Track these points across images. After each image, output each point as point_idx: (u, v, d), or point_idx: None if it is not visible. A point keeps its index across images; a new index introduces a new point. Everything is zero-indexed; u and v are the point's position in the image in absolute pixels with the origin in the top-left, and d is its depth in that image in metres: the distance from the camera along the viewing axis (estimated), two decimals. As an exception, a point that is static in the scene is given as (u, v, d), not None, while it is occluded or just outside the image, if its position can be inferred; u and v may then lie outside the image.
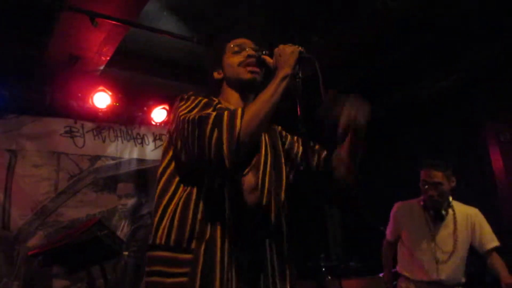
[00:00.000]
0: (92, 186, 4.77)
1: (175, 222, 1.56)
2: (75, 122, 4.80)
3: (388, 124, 5.13)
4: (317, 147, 1.93)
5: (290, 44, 1.65)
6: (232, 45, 1.88)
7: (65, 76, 4.36)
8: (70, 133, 4.74)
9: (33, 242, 4.24)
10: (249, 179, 1.66)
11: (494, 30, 4.02)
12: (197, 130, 1.48)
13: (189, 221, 1.55)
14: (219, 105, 1.66)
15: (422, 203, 3.23)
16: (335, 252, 5.94)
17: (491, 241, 3.09)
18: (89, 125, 4.89)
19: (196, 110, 1.60)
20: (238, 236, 1.56)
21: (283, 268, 1.67)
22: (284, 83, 1.57)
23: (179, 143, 1.60)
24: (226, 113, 1.48)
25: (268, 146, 1.79)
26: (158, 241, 1.58)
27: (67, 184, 4.61)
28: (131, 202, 4.98)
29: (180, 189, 1.62)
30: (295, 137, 2.01)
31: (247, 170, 1.64)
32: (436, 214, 3.14)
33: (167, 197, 1.63)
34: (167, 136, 1.76)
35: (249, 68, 1.79)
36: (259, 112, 1.48)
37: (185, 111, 1.60)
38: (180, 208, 1.58)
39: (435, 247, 3.10)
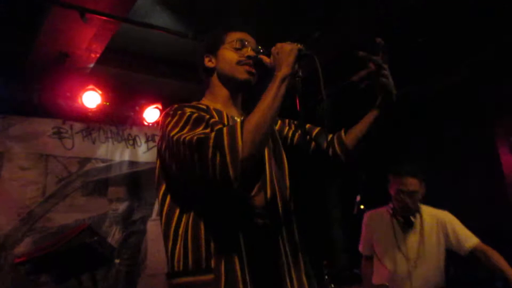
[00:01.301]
0: (81, 190, 4.79)
1: (189, 243, 1.57)
2: (64, 123, 4.83)
3: (393, 122, 5.16)
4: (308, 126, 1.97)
5: (289, 42, 1.64)
6: (234, 38, 1.86)
7: (53, 74, 4.38)
8: (58, 134, 4.77)
9: (20, 249, 4.25)
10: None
11: (507, 24, 4.03)
12: (197, 155, 1.46)
13: (203, 241, 1.56)
14: (212, 119, 1.62)
15: (391, 211, 3.23)
16: (339, 258, 5.96)
17: (470, 238, 3.03)
18: (78, 125, 4.91)
19: (187, 127, 1.57)
20: (252, 246, 1.57)
21: (301, 273, 1.69)
22: (284, 85, 1.56)
23: (173, 166, 1.60)
24: (225, 132, 1.47)
25: (269, 144, 1.80)
26: (176, 267, 1.58)
27: (56, 188, 4.63)
28: (122, 206, 5.00)
29: (185, 214, 1.62)
30: (285, 121, 2.02)
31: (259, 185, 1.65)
32: (405, 221, 3.14)
33: (174, 222, 1.63)
34: (158, 156, 1.74)
35: (247, 68, 1.79)
36: (261, 125, 1.48)
37: (176, 129, 1.58)
38: (191, 227, 1.58)
39: (403, 255, 3.09)
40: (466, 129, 4.73)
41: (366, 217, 3.42)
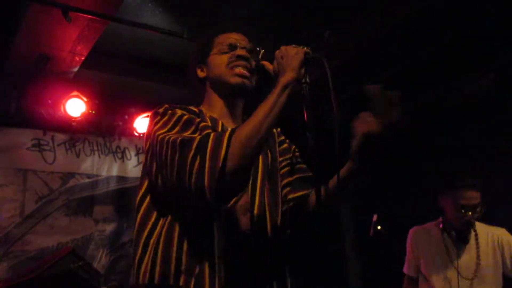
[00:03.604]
0: (64, 209, 4.80)
1: (159, 256, 1.58)
2: (45, 134, 4.84)
3: (414, 133, 5.14)
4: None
5: (294, 45, 1.64)
6: (222, 41, 1.89)
7: (33, 79, 4.41)
8: (38, 146, 4.78)
9: (-6, 275, 4.26)
10: (242, 200, 1.68)
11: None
12: (178, 155, 1.49)
13: (174, 254, 1.57)
14: (202, 123, 1.66)
15: (441, 225, 3.22)
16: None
17: None
18: (60, 137, 4.93)
19: (176, 129, 1.61)
20: (230, 268, 1.57)
21: None
22: (286, 92, 1.56)
23: (154, 166, 1.64)
24: (212, 136, 1.49)
25: (264, 157, 1.81)
26: (141, 280, 1.59)
27: (35, 207, 4.64)
28: (110, 228, 5.01)
29: (161, 219, 1.65)
30: (291, 147, 2.04)
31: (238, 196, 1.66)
32: (459, 236, 3.12)
33: (147, 230, 1.65)
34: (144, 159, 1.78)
35: (237, 71, 1.81)
36: (254, 135, 1.48)
37: (163, 130, 1.61)
38: (162, 240, 1.60)
39: (457, 275, 3.06)
40: (499, 140, 4.69)
41: (411, 233, 3.41)
